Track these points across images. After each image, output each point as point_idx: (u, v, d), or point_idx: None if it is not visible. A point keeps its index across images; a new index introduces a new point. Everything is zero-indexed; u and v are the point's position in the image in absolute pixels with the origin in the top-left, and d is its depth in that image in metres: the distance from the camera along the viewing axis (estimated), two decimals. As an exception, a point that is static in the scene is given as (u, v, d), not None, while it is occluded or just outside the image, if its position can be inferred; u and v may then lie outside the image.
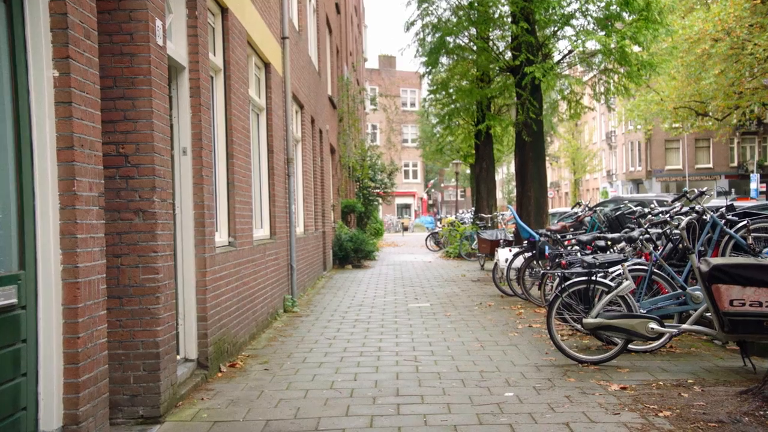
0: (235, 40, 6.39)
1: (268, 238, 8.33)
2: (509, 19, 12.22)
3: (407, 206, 55.60)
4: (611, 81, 12.72)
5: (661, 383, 4.74)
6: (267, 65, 8.47)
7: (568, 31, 12.70)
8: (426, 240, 24.20)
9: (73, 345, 3.29)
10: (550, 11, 11.59)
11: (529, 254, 8.76)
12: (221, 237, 5.92)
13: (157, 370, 4.04)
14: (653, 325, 5.20)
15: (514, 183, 27.97)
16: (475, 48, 13.10)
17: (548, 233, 8.56)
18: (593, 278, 5.50)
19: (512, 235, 12.41)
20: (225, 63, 6.14)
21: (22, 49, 3.20)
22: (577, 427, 3.84)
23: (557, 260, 6.95)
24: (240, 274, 6.24)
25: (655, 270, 5.82)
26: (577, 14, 11.81)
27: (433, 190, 57.82)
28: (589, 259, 6.04)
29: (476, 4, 12.42)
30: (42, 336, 3.23)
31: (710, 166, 44.73)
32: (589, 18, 11.88)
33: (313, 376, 5.22)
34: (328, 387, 4.88)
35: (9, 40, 3.15)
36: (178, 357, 4.85)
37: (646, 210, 7.66)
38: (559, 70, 12.45)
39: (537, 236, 8.76)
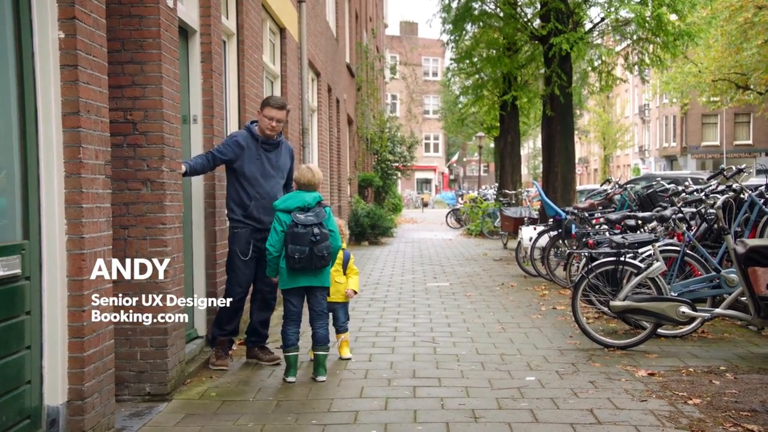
0: (249, 2, 6.18)
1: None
2: (538, -15, 11.76)
3: (428, 181, 55.17)
4: (646, 51, 12.19)
5: (691, 370, 4.55)
6: (282, 30, 8.24)
7: (601, -3, 12.12)
8: (446, 217, 23.89)
9: (78, 318, 3.20)
10: (582, -24, 11.09)
11: (555, 233, 8.52)
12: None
13: (165, 347, 3.96)
14: (684, 309, 5.00)
15: (540, 158, 27.50)
16: (501, 15, 12.65)
17: (575, 211, 8.30)
18: (622, 259, 5.28)
19: (537, 212, 12.10)
20: (238, 27, 5.95)
21: (26, 8, 3.05)
22: (602, 414, 3.68)
23: (584, 239, 6.74)
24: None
25: (688, 251, 5.58)
26: (611, -21, 11.28)
27: (455, 165, 57.24)
28: (617, 238, 5.81)
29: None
30: (46, 308, 3.15)
31: (750, 142, 42.92)
32: (623, -16, 11.32)
33: (326, 355, 5.10)
34: (342, 368, 4.77)
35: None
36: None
37: (680, 188, 7.38)
38: (590, 39, 11.94)
39: (563, 214, 8.50)
